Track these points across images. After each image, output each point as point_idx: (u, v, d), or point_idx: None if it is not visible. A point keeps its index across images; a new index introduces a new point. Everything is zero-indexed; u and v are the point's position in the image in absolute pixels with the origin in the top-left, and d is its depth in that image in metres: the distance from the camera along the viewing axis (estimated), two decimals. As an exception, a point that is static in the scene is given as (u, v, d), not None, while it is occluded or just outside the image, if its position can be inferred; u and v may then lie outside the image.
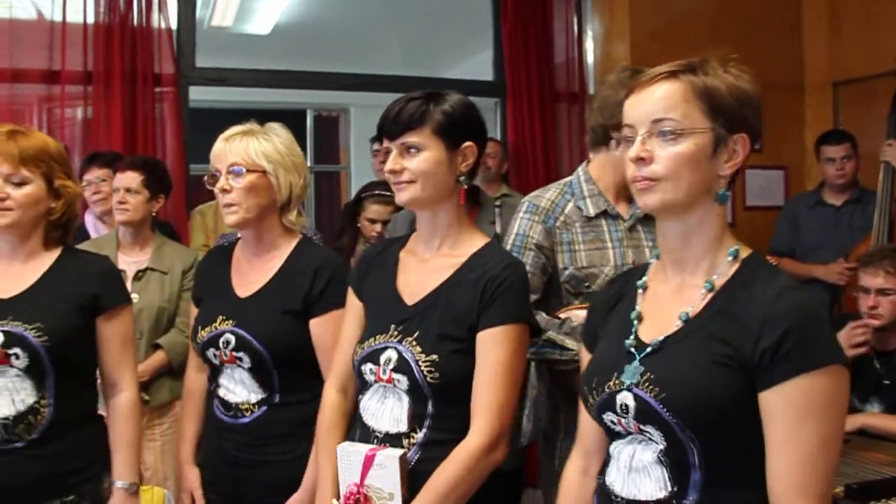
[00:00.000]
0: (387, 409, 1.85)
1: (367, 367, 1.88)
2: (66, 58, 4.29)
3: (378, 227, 3.96)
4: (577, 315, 2.27)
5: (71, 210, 2.26)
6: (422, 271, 1.94)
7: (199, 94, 4.73)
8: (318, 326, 2.22)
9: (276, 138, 2.29)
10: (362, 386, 1.92)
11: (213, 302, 2.33)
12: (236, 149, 2.23)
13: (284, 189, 2.27)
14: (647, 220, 2.41)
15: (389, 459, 1.76)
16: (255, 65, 4.94)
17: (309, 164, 8.33)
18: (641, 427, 1.40)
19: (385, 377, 1.84)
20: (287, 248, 2.32)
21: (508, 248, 2.40)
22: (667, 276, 1.53)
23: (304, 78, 5.12)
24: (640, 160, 1.42)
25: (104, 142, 4.25)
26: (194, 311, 2.38)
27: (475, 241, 1.94)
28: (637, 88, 1.46)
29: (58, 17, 4.29)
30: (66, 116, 4.34)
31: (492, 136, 5.07)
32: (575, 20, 5.41)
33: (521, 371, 1.87)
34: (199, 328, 2.27)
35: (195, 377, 2.42)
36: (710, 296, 1.43)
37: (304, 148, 8.31)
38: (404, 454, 1.78)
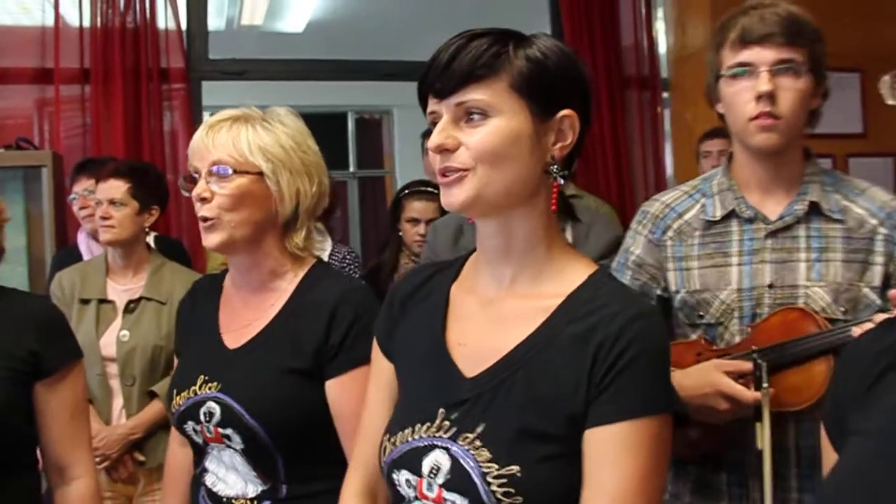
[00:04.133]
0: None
1: (403, 477, 1.20)
2: (60, 56, 3.83)
3: (421, 227, 3.37)
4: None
5: None
6: (487, 321, 1.25)
7: (227, 96, 4.17)
8: (336, 390, 1.57)
9: (280, 127, 1.65)
10: (396, 501, 1.25)
11: (192, 355, 1.70)
12: (222, 141, 1.61)
13: (289, 198, 1.63)
14: (813, 218, 1.76)
15: None
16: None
17: (351, 169, 7.99)
18: None
19: (432, 495, 1.16)
20: (293, 279, 1.68)
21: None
22: None
23: (332, 69, 4.56)
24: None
25: (105, 148, 3.77)
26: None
27: (575, 271, 1.24)
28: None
29: (50, 15, 3.88)
30: (61, 120, 3.85)
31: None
32: None
33: (662, 492, 1.18)
34: (175, 392, 1.65)
35: (179, 453, 1.80)
36: None
37: (345, 152, 7.99)
38: None
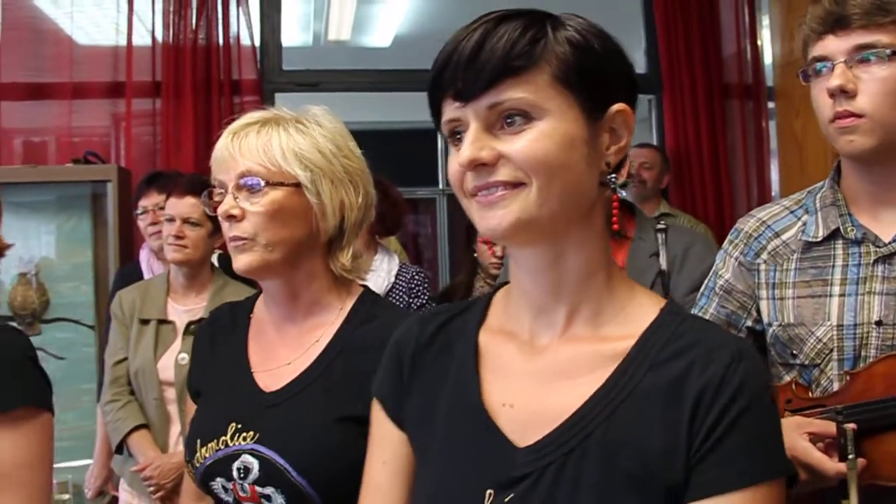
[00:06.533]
0: None
1: None
2: (133, 69, 3.80)
3: (498, 249, 3.12)
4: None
5: None
6: (537, 375, 0.99)
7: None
8: None
9: (317, 129, 1.42)
10: None
11: (219, 399, 1.47)
12: (250, 148, 1.38)
13: (332, 212, 1.40)
14: None
15: None
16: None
17: (440, 185, 7.82)
18: None
19: None
20: (340, 310, 1.44)
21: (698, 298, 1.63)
22: None
23: (410, 80, 4.34)
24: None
25: (174, 162, 3.69)
26: (191, 411, 1.52)
27: (640, 306, 1.00)
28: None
29: (124, 30, 3.86)
30: (132, 134, 3.80)
31: (647, 142, 4.19)
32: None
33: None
34: (198, 443, 1.41)
35: None
36: None
37: (434, 169, 7.88)
38: None
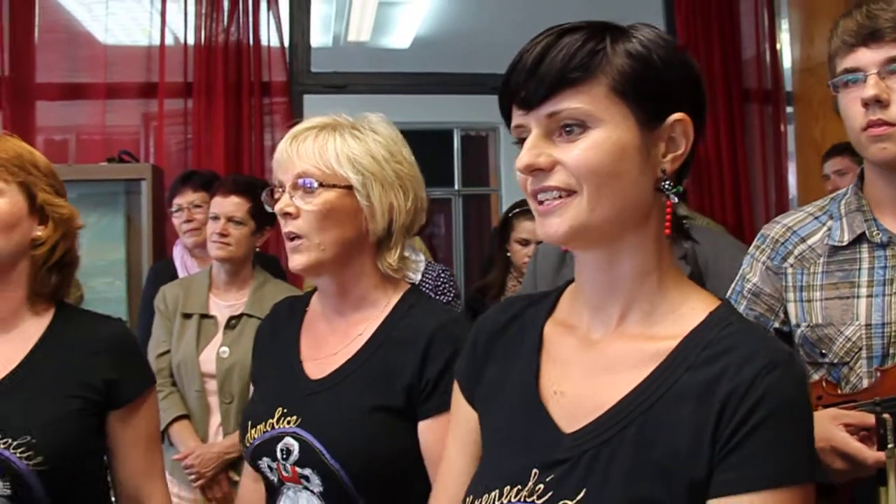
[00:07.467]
0: None
1: None
2: (165, 70, 3.87)
3: (531, 249, 3.18)
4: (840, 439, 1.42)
5: (67, 242, 1.56)
6: (589, 367, 1.06)
7: (330, 111, 4.07)
8: (430, 433, 1.40)
9: (371, 136, 1.50)
10: None
11: (270, 384, 1.56)
12: (307, 152, 1.47)
13: (381, 214, 1.48)
14: None
15: None
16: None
17: (457, 186, 7.88)
18: None
19: None
20: (385, 305, 1.52)
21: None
22: None
23: (436, 82, 4.46)
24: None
25: (205, 161, 3.77)
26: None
27: (692, 307, 1.05)
28: None
29: (156, 32, 3.94)
30: (164, 133, 3.87)
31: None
32: (765, 2, 4.63)
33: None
34: (249, 424, 1.51)
35: (252, 490, 1.64)
36: None
37: (450, 169, 7.95)
38: None
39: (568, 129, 0.98)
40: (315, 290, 1.63)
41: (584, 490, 0.96)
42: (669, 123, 1.00)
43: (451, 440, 1.19)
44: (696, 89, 1.03)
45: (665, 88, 1.00)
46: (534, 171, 0.99)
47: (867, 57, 1.46)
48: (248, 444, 1.50)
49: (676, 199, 1.03)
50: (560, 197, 0.99)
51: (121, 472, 1.57)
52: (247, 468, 1.65)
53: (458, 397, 1.19)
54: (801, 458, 0.94)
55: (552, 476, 0.99)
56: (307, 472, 1.41)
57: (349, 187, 1.46)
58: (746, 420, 0.92)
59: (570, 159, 0.97)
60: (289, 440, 1.43)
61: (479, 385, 1.15)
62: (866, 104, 1.46)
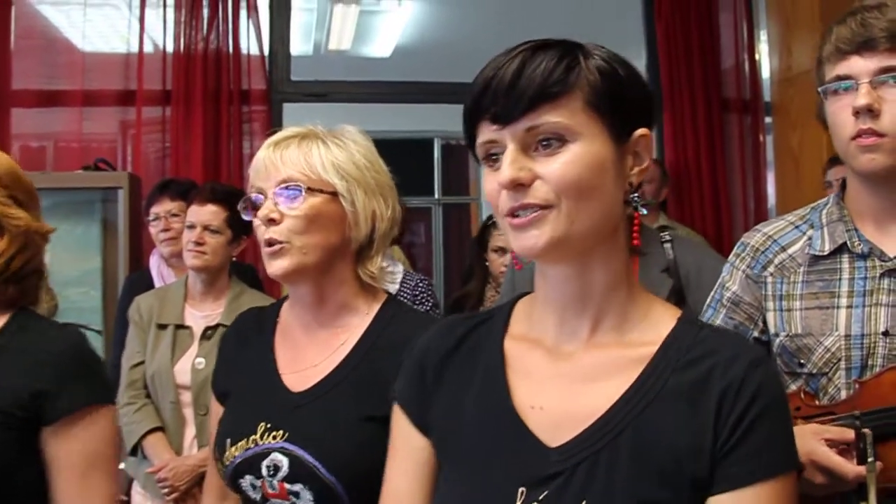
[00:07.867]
0: None
1: None
2: (144, 78, 3.85)
3: (508, 258, 3.16)
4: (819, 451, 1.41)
5: (27, 253, 1.49)
6: (564, 379, 1.06)
7: (309, 120, 4.03)
8: None
9: (353, 145, 1.50)
10: None
11: (247, 399, 1.52)
12: (292, 158, 1.46)
13: (364, 220, 1.48)
14: None
15: None
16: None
17: (436, 195, 7.88)
18: None
19: None
20: (366, 314, 1.51)
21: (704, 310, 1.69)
22: None
23: (416, 91, 4.45)
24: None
25: (184, 169, 3.74)
26: (217, 411, 1.57)
27: (660, 315, 1.09)
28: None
29: (135, 39, 3.92)
30: (142, 142, 3.85)
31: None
32: (744, 13, 4.65)
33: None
34: (228, 442, 1.46)
35: None
36: None
37: (430, 178, 7.91)
38: None
39: (546, 143, 0.98)
40: (284, 299, 1.61)
41: (584, 501, 0.95)
42: (636, 138, 1.03)
43: (393, 468, 1.16)
44: (651, 104, 1.07)
45: (630, 104, 1.03)
46: (516, 186, 0.98)
47: (860, 65, 1.45)
48: (227, 463, 1.45)
49: (645, 212, 1.04)
50: (535, 211, 0.98)
51: (54, 496, 1.41)
52: (211, 487, 1.62)
53: (402, 424, 1.15)
54: (793, 445, 1.01)
55: (546, 492, 0.98)
56: (297, 487, 1.38)
57: (334, 193, 1.45)
58: (745, 415, 0.96)
59: (551, 173, 0.97)
60: (276, 456, 1.40)
61: (429, 410, 1.12)
62: (857, 113, 1.44)
